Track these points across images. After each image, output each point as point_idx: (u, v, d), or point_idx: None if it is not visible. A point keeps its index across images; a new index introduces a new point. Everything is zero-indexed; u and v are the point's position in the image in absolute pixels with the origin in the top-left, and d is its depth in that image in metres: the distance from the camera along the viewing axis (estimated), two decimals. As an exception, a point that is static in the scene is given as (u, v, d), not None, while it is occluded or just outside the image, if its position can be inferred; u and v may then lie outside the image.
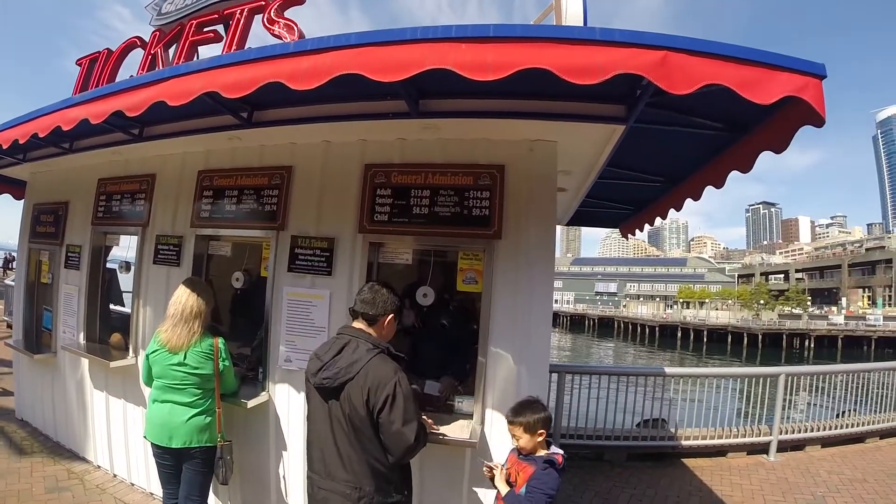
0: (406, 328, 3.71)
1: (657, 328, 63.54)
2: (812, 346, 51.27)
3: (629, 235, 6.00)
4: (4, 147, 3.96)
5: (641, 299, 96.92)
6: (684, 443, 6.20)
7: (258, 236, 4.07)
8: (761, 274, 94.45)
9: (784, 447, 6.48)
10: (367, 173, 3.61)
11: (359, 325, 2.55)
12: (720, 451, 6.36)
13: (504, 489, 2.69)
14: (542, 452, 2.76)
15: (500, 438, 3.24)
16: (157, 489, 4.25)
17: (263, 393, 3.79)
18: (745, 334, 53.73)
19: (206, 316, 3.29)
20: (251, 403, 3.63)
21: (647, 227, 5.52)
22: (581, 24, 4.12)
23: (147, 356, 3.25)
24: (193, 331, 3.17)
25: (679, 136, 3.48)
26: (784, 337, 52.93)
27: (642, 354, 50.20)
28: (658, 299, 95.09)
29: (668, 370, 6.33)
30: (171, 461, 3.22)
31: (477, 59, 2.10)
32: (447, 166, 3.42)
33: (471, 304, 3.56)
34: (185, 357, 3.14)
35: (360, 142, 3.71)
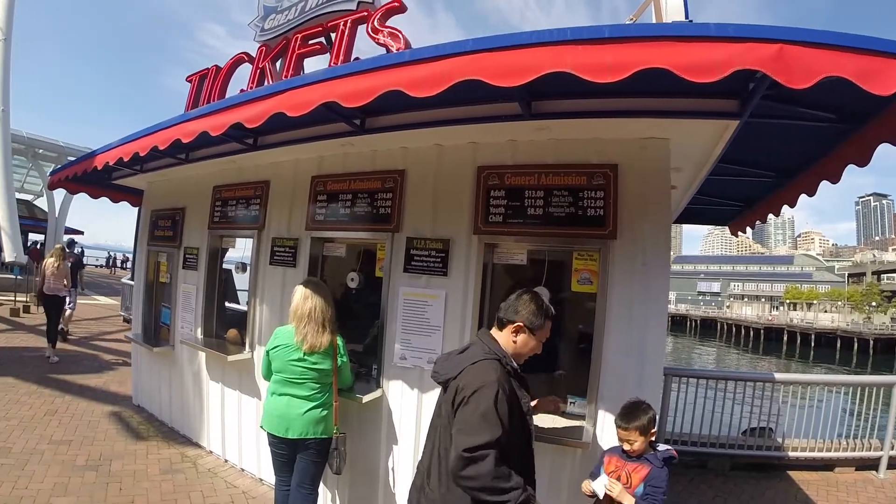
0: None
1: (762, 331, 60.31)
2: (931, 352, 46.79)
3: (739, 233, 5.75)
4: (126, 159, 4.27)
5: (746, 299, 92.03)
6: (791, 454, 5.90)
7: (372, 238, 4.21)
8: (873, 273, 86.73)
9: (894, 464, 6.02)
10: (480, 175, 3.65)
11: (493, 330, 2.46)
12: (827, 465, 5.99)
13: (631, 501, 2.62)
14: (650, 452, 2.74)
15: (612, 440, 3.19)
16: (266, 475, 4.54)
17: (378, 389, 3.92)
18: (855, 339, 50.27)
19: (333, 316, 3.45)
20: (366, 398, 3.77)
21: (757, 223, 5.27)
22: (683, 18, 4.06)
23: (268, 351, 3.43)
24: (327, 330, 3.35)
25: (790, 128, 3.34)
26: (898, 343, 48.74)
27: (745, 359, 47.84)
28: (763, 300, 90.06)
29: (777, 376, 6.00)
30: (286, 451, 3.39)
31: (595, 60, 2.09)
32: (560, 166, 3.41)
33: (581, 305, 3.54)
34: (308, 353, 3.31)
35: (471, 144, 3.76)
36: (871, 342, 49.50)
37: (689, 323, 76.37)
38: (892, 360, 44.14)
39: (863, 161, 3.07)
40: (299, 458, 3.39)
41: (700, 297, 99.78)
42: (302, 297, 3.40)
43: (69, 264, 9.54)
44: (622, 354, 3.23)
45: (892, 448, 5.94)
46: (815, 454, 5.92)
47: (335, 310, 3.50)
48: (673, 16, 4.11)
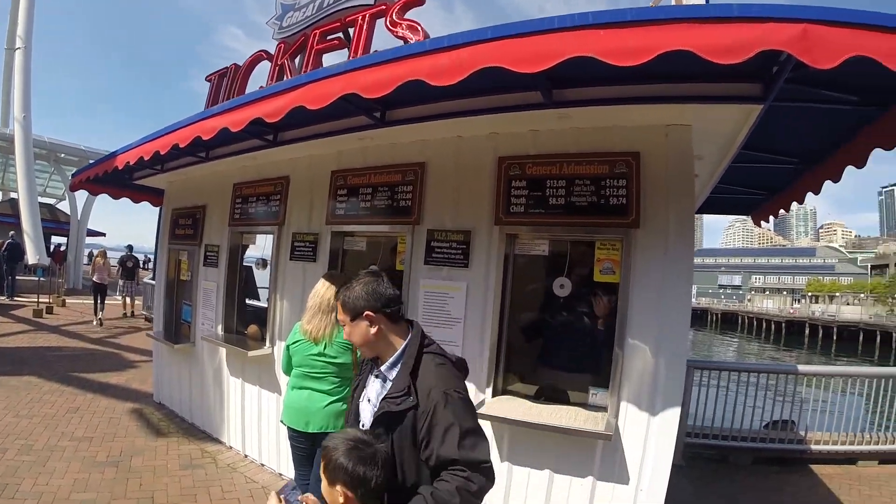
0: (540, 320, 3.74)
1: (783, 324, 59.63)
2: (953, 349, 45.77)
3: (762, 223, 5.64)
4: (147, 159, 4.32)
5: (767, 293, 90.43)
6: (813, 447, 5.81)
7: (393, 231, 4.21)
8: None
9: None
10: (501, 166, 3.61)
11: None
12: (850, 459, 5.90)
13: None
14: None
15: (635, 432, 3.19)
16: (286, 470, 4.52)
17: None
18: (877, 332, 49.17)
19: None
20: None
21: (781, 212, 5.17)
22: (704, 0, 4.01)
23: (287, 346, 3.42)
24: (333, 322, 3.27)
25: (813, 112, 3.29)
26: (923, 337, 47.69)
27: (767, 353, 47.32)
28: (785, 293, 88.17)
29: (800, 368, 5.96)
30: (305, 444, 3.36)
31: (618, 44, 2.07)
32: (581, 155, 3.37)
33: (604, 295, 3.50)
34: (325, 347, 3.28)
35: (491, 135, 3.74)
36: (894, 335, 48.50)
37: (709, 317, 75.45)
38: None
39: (890, 144, 3.02)
40: (319, 453, 3.40)
41: (721, 291, 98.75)
42: (316, 289, 3.39)
43: (116, 262, 13.26)
44: (644, 344, 3.18)
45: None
46: (838, 447, 5.82)
47: None
48: (693, -2, 4.07)
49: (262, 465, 4.91)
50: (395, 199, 4.08)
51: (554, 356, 3.68)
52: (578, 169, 3.35)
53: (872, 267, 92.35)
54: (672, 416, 3.11)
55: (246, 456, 5.11)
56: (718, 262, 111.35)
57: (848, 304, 66.59)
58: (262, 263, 5.31)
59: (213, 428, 5.63)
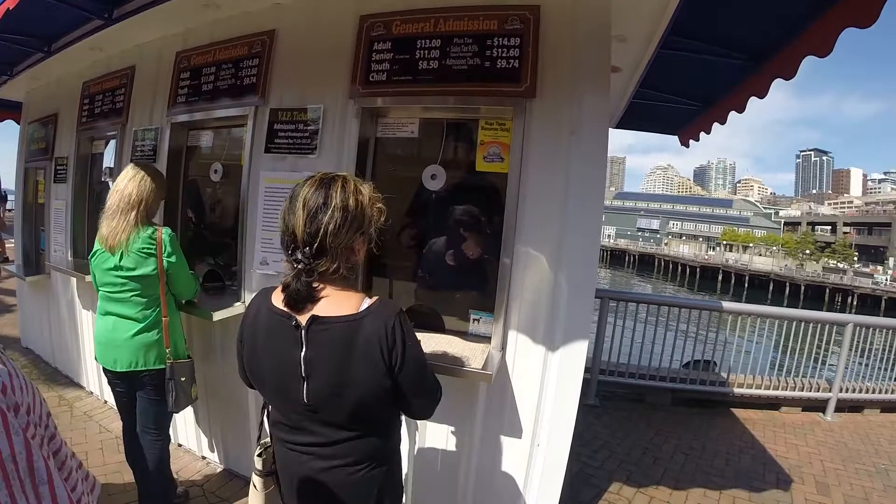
0: (412, 221, 2.98)
1: (698, 269, 63.52)
2: (855, 303, 49.48)
3: (689, 142, 5.02)
4: None
5: (684, 238, 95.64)
6: (736, 391, 5.55)
7: (237, 116, 3.34)
8: (808, 223, 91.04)
9: (841, 407, 5.79)
10: (363, 25, 2.81)
11: None
12: (773, 404, 5.72)
13: None
14: None
15: (528, 370, 2.54)
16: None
17: (238, 304, 3.15)
18: (787, 284, 53.14)
19: (148, 204, 2.61)
20: (218, 315, 3.00)
21: (715, 125, 4.40)
22: None
23: (90, 260, 2.64)
24: (129, 222, 2.50)
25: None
26: (827, 291, 51.68)
27: (681, 295, 49.60)
28: (700, 240, 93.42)
29: (725, 305, 5.58)
30: (122, 387, 2.68)
31: None
32: (464, 10, 2.56)
33: (493, 191, 2.70)
34: (121, 258, 2.50)
35: (355, -8, 2.93)
36: (803, 287, 52.24)
37: (627, 258, 79.83)
38: (821, 306, 46.71)
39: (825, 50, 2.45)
40: (138, 397, 2.67)
41: (639, 234, 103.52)
42: (115, 184, 2.59)
43: None
44: (541, 254, 2.50)
45: (841, 390, 5.68)
46: (762, 392, 5.61)
47: (160, 199, 2.75)
48: None
49: (120, 409, 4.21)
50: (240, 77, 3.25)
51: (427, 269, 2.91)
52: (459, 25, 2.55)
53: (785, 223, 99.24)
54: (577, 351, 2.48)
55: (105, 402, 4.47)
56: (638, 205, 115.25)
57: (760, 255, 71.66)
58: (108, 172, 4.44)
59: (73, 372, 4.94)
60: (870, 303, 48.69)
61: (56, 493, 0.78)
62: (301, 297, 1.40)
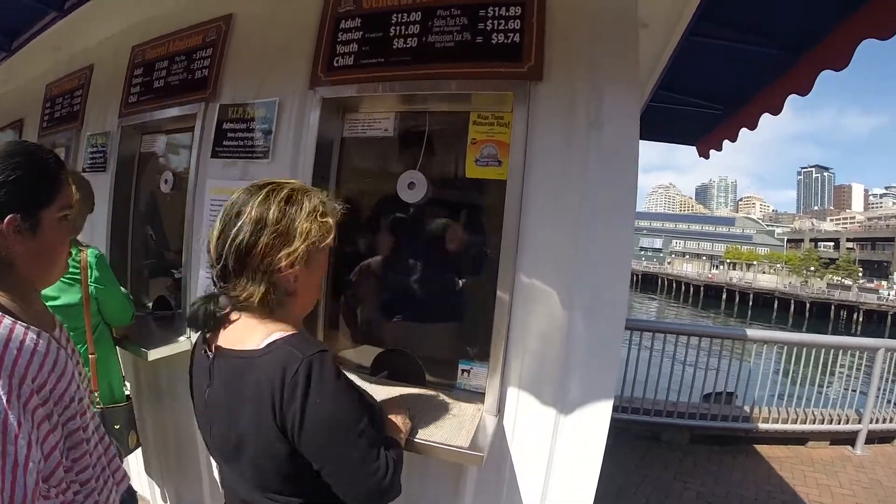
0: (383, 242, 2.41)
1: (702, 287, 63.41)
2: (861, 319, 48.89)
3: (710, 153, 4.45)
4: None
5: (687, 257, 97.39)
6: (761, 426, 5.01)
7: (186, 114, 2.81)
8: (811, 240, 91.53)
9: (871, 438, 5.24)
10: (328, 3, 2.28)
11: None
12: (799, 439, 5.17)
13: None
14: None
15: (533, 440, 1.92)
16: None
17: (182, 338, 2.59)
18: (792, 301, 52.72)
19: (80, 222, 2.27)
20: (155, 354, 2.44)
21: (742, 130, 3.83)
22: None
23: None
24: None
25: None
26: (832, 308, 51.08)
27: (685, 314, 49.95)
28: (704, 258, 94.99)
29: (749, 333, 5.07)
30: None
31: None
32: None
33: (487, 204, 2.14)
34: None
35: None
36: (808, 305, 51.76)
37: (630, 277, 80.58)
38: (827, 323, 46.90)
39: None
40: None
41: (642, 253, 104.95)
42: None
43: None
44: (551, 286, 1.86)
45: (872, 421, 5.15)
46: (787, 426, 5.07)
47: (85, 213, 2.31)
48: None
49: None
50: (191, 71, 2.75)
51: (406, 303, 2.32)
52: (445, -5, 2.01)
53: (789, 240, 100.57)
54: (600, 415, 1.83)
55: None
56: (640, 224, 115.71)
57: (764, 272, 72.10)
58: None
59: None
60: (876, 318, 48.00)
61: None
62: (202, 322, 1.15)
